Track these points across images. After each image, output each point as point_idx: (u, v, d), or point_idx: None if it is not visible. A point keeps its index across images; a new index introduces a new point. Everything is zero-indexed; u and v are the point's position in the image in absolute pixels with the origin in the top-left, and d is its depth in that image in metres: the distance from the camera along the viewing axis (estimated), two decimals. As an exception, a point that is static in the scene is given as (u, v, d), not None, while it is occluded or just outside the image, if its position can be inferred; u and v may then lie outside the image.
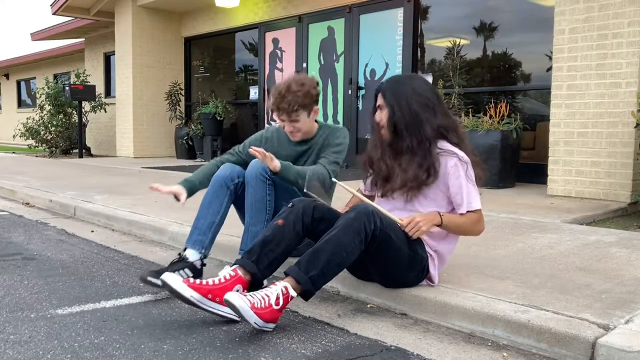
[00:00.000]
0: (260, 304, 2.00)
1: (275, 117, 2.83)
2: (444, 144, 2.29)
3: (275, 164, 2.59)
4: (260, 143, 2.96)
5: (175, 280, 2.12)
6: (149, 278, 2.51)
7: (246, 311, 1.97)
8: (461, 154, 2.28)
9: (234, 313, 2.15)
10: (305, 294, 2.10)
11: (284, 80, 2.79)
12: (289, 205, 2.32)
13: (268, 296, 2.02)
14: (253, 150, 2.57)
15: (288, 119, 2.76)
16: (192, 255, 2.61)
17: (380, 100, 2.36)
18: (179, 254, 2.65)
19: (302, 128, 2.80)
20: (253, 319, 1.99)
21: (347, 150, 2.86)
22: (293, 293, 2.05)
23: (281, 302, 2.03)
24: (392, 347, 1.98)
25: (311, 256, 2.08)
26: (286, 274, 2.10)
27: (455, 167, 2.25)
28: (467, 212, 2.25)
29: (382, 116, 2.34)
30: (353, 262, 2.32)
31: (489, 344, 2.00)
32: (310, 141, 2.89)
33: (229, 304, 1.99)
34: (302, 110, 2.75)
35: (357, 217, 2.11)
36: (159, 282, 2.46)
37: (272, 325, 2.07)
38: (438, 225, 2.23)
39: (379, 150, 2.40)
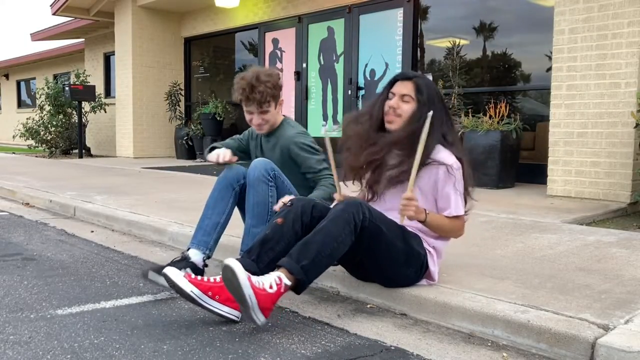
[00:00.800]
0: (257, 284, 1.99)
1: (244, 108, 2.85)
2: (435, 154, 2.29)
3: None
4: (250, 138, 3.08)
5: (176, 274, 2.13)
6: (150, 275, 2.51)
7: (243, 280, 1.95)
8: (451, 161, 2.27)
9: (233, 313, 2.15)
10: (298, 285, 2.07)
11: (249, 71, 2.82)
12: (288, 204, 2.32)
13: (262, 282, 2.01)
14: (280, 206, 2.51)
15: (258, 110, 2.80)
16: (195, 255, 2.61)
17: (410, 91, 2.32)
18: (182, 252, 2.65)
19: (270, 120, 2.86)
20: (248, 290, 1.95)
21: None
22: (287, 281, 2.04)
23: (274, 288, 2.01)
24: (392, 348, 1.98)
25: (302, 247, 2.08)
26: (278, 266, 2.09)
27: (445, 174, 2.26)
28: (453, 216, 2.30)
29: (401, 105, 2.31)
30: (351, 261, 2.33)
31: (489, 344, 2.00)
32: (275, 133, 2.93)
33: (226, 269, 1.97)
34: (272, 102, 2.81)
35: (345, 208, 2.13)
36: (159, 279, 2.46)
37: (263, 318, 2.02)
38: (421, 222, 2.25)
39: (369, 139, 2.36)
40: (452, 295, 2.23)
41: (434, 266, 2.34)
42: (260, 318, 2.03)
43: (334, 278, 2.56)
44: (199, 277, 2.16)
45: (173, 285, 2.12)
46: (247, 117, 2.88)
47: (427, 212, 2.25)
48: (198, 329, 2.12)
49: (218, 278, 2.15)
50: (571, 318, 1.96)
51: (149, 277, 2.52)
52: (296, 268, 2.04)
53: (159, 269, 2.51)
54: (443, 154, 2.29)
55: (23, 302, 2.44)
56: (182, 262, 2.57)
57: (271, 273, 2.06)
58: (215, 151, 2.80)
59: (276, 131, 2.94)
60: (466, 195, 2.35)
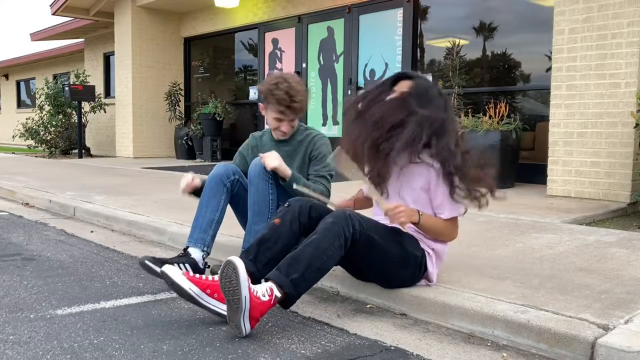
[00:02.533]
0: (252, 289, 1.98)
1: (276, 114, 2.76)
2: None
3: (283, 169, 2.62)
4: (248, 152, 3.00)
5: (174, 271, 2.12)
6: (147, 262, 2.50)
7: (244, 279, 1.93)
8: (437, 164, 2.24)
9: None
10: (287, 299, 2.04)
11: (283, 76, 2.75)
12: (286, 204, 2.32)
13: (256, 289, 2.00)
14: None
15: (293, 117, 2.79)
16: (195, 252, 2.63)
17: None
18: (184, 249, 2.66)
19: (295, 126, 2.87)
20: (245, 291, 1.93)
21: None
22: (277, 293, 2.01)
23: (267, 297, 1.99)
24: (392, 348, 1.98)
25: (292, 260, 2.06)
26: (266, 279, 2.06)
27: (437, 174, 2.24)
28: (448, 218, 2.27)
29: None
30: (350, 264, 2.32)
31: (489, 344, 2.00)
32: (292, 140, 2.90)
33: (228, 265, 1.94)
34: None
35: (335, 222, 2.11)
36: (157, 269, 2.45)
37: (249, 328, 2.00)
38: (415, 223, 2.22)
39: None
40: (451, 295, 2.23)
41: (432, 267, 2.33)
42: (246, 326, 1.99)
43: (333, 278, 2.56)
44: (197, 275, 2.15)
45: (172, 284, 2.11)
46: (275, 124, 2.81)
47: (420, 213, 2.23)
48: (198, 329, 2.12)
49: (216, 277, 2.14)
50: (571, 318, 1.96)
51: (146, 264, 2.49)
52: (285, 282, 2.02)
53: (157, 260, 2.51)
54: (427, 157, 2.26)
55: (23, 302, 2.43)
56: (183, 257, 2.58)
57: (263, 283, 2.05)
58: (181, 181, 2.79)
59: (295, 136, 2.90)
60: (471, 195, 2.27)
